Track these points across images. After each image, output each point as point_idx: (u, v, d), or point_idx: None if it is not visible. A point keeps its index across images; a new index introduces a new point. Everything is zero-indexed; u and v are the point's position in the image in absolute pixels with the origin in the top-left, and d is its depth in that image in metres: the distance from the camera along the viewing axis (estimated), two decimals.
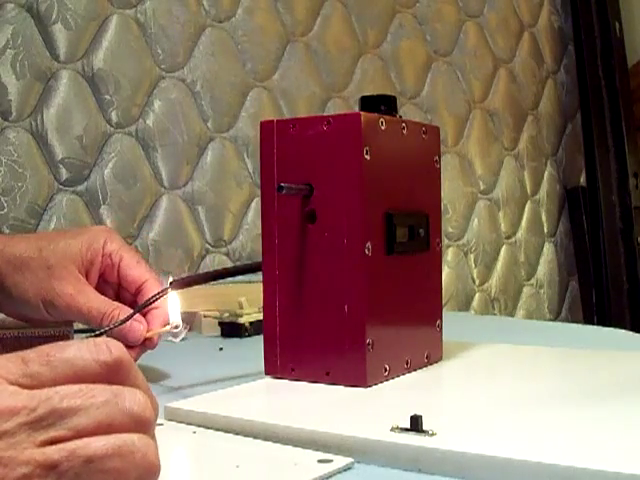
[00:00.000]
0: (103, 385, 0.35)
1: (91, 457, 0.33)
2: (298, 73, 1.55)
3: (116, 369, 0.36)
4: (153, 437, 0.36)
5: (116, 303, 0.70)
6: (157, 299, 0.69)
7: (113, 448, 0.34)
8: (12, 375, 0.34)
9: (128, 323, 0.67)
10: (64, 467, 0.33)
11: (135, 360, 0.69)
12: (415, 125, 0.69)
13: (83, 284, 0.70)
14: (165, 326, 0.69)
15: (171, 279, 0.70)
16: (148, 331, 0.69)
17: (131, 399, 0.35)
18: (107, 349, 0.36)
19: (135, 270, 0.72)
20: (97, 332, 0.70)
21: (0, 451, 0.32)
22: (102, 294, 0.71)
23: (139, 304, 0.70)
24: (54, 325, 0.76)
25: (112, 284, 0.73)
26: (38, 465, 0.33)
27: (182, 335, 0.93)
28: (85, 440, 0.33)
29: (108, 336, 0.67)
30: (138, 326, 0.68)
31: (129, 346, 0.68)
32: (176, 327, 0.67)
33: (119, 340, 0.68)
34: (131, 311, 0.68)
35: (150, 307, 0.70)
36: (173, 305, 0.68)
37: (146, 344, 0.69)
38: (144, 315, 0.70)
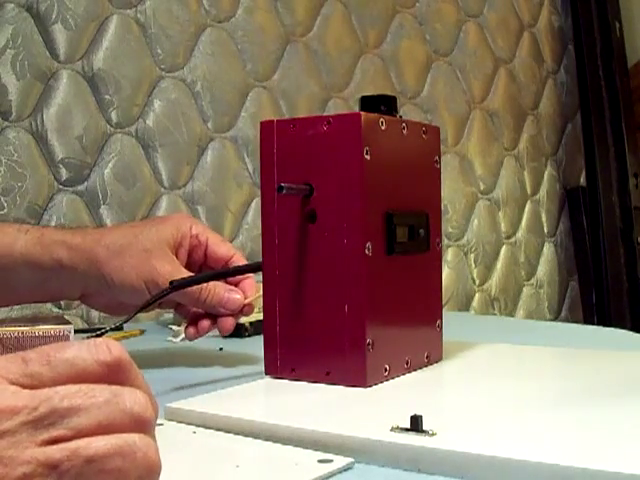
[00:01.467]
0: (103, 385, 0.35)
1: (92, 457, 0.33)
2: (298, 73, 1.55)
3: (116, 369, 0.36)
4: (153, 437, 0.36)
5: None
6: (159, 299, 0.71)
7: (114, 448, 0.34)
8: (12, 375, 0.34)
9: (226, 294, 0.74)
10: (65, 466, 0.33)
11: (232, 327, 0.76)
12: (415, 125, 0.69)
13: (178, 264, 0.76)
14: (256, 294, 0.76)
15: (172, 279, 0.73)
16: (245, 299, 0.76)
17: (131, 399, 0.35)
18: (107, 349, 0.36)
19: (222, 248, 0.79)
20: (97, 333, 0.70)
21: (1, 450, 0.32)
22: None
23: (227, 279, 0.77)
24: (54, 325, 0.76)
25: (196, 263, 0.79)
26: (39, 464, 0.33)
27: (182, 335, 0.93)
28: (86, 440, 0.33)
29: (204, 305, 0.75)
30: (235, 295, 0.75)
31: (228, 314, 0.75)
32: None
33: (219, 310, 0.74)
34: (224, 286, 0.75)
35: (241, 277, 0.77)
36: None
37: (244, 310, 0.76)
38: (236, 285, 0.77)
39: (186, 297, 0.74)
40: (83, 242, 0.76)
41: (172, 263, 0.75)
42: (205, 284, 0.74)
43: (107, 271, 0.75)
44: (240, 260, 0.79)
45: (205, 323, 0.76)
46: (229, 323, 0.75)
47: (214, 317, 0.75)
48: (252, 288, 0.77)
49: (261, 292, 0.74)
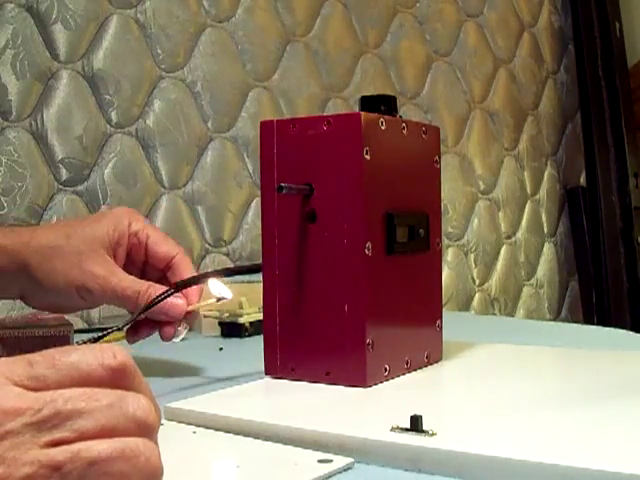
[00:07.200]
0: (107, 389, 0.35)
1: (95, 459, 0.33)
2: (298, 73, 1.55)
3: (120, 374, 0.36)
4: (156, 442, 0.36)
5: (149, 282, 0.71)
6: (161, 300, 0.70)
7: (117, 451, 0.34)
8: (18, 377, 0.34)
9: (168, 299, 0.68)
10: (68, 468, 0.33)
11: (174, 335, 0.71)
12: (415, 125, 0.69)
13: (113, 266, 0.71)
14: (201, 301, 0.71)
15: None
16: (189, 305, 0.70)
17: (135, 404, 0.35)
18: (112, 354, 0.36)
19: (164, 246, 0.74)
20: (103, 334, 0.69)
21: (4, 451, 0.33)
22: (129, 274, 0.72)
23: (169, 279, 0.72)
24: (54, 325, 0.76)
25: (137, 263, 0.75)
26: (42, 466, 0.33)
27: (182, 335, 0.93)
28: (89, 443, 0.34)
29: (148, 316, 0.69)
30: (178, 301, 0.69)
31: (169, 322, 0.70)
32: (220, 299, 0.69)
33: (160, 316, 0.69)
34: (164, 288, 0.69)
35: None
36: (216, 283, 0.70)
37: (187, 318, 0.71)
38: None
39: (125, 302, 0.70)
40: (12, 244, 0.72)
41: (105, 265, 0.71)
42: (145, 288, 0.69)
43: (37, 275, 0.71)
44: (183, 259, 0.74)
45: (144, 329, 0.71)
46: (170, 331, 0.70)
47: (157, 322, 0.71)
48: (197, 295, 0.72)
49: (209, 301, 0.70)
